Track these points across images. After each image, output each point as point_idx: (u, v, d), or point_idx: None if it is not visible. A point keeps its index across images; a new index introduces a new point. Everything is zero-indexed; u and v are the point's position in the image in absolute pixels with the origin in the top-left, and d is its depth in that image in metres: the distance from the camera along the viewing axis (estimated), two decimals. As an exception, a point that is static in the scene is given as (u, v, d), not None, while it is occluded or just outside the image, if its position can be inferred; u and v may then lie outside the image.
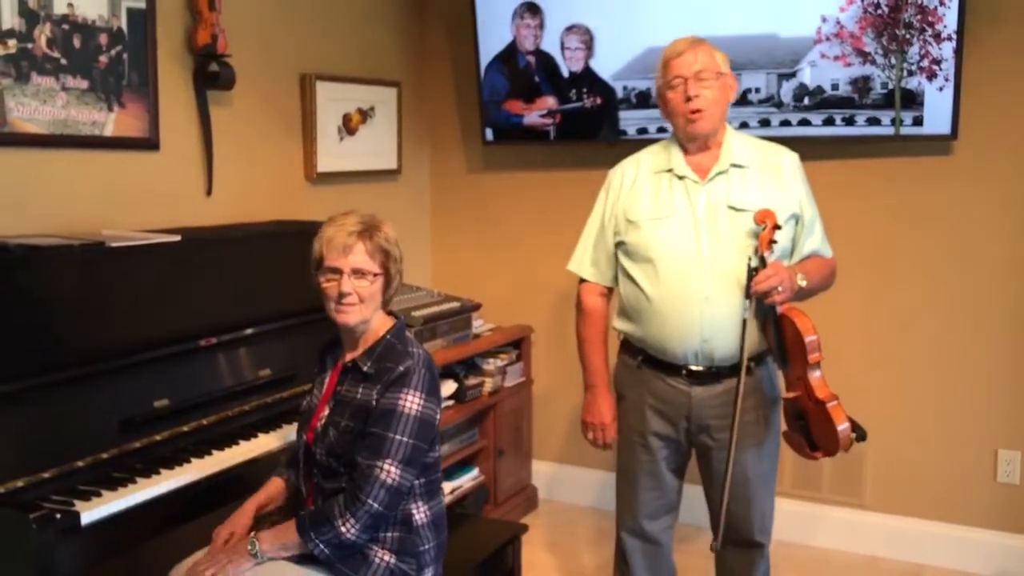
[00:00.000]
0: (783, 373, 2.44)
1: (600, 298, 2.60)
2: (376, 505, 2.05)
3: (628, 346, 2.59)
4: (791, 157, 2.50)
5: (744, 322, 2.33)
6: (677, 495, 2.63)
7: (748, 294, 2.30)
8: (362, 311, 2.13)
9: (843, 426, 2.33)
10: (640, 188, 2.49)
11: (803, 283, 2.34)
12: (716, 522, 2.56)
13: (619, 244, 2.51)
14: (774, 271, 2.27)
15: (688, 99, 2.36)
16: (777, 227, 2.31)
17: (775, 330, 2.37)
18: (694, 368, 2.44)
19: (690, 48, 2.39)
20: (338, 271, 2.11)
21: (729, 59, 2.45)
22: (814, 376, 2.34)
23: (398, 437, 2.06)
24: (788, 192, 2.43)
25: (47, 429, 2.17)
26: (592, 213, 2.61)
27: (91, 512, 2.05)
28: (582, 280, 2.63)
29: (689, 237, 2.39)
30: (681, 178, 2.44)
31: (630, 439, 2.58)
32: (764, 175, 2.43)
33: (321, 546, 2.05)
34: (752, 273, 2.29)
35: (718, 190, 2.41)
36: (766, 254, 2.30)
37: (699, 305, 2.37)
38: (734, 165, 2.42)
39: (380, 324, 2.20)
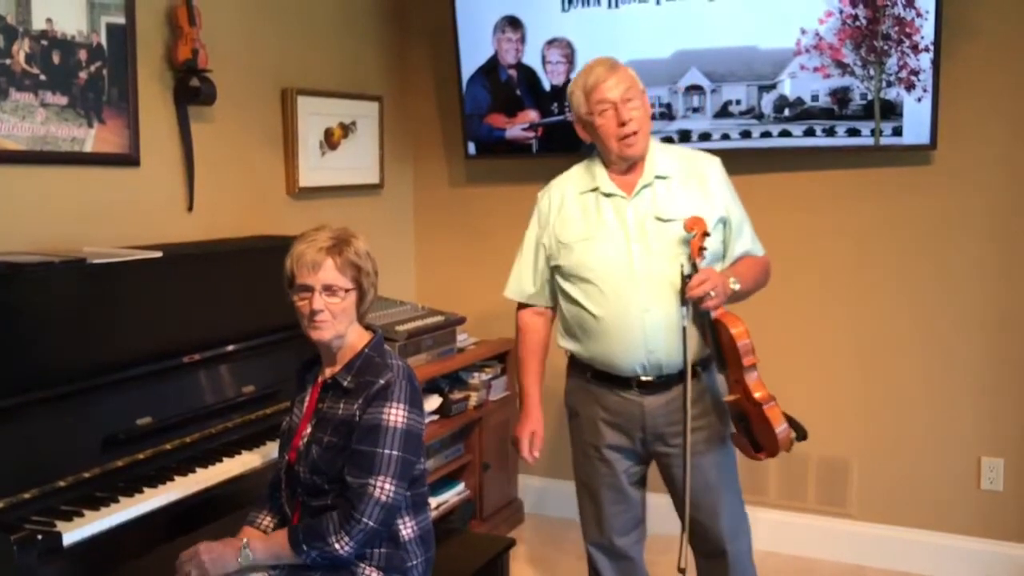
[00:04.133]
0: (724, 377, 2.46)
1: (537, 318, 2.60)
2: (371, 523, 2.04)
3: (576, 363, 2.58)
4: (714, 162, 2.52)
5: (684, 329, 2.36)
6: (642, 508, 2.62)
7: (684, 301, 2.34)
8: (336, 327, 2.12)
9: (781, 427, 2.37)
10: (568, 210, 2.50)
11: (736, 286, 2.37)
12: (692, 538, 2.54)
13: (555, 267, 2.52)
14: (705, 276, 2.30)
15: (622, 123, 2.37)
16: (707, 234, 2.35)
17: (711, 335, 2.40)
18: (644, 379, 2.45)
19: (611, 72, 2.39)
20: (309, 288, 2.10)
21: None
22: (751, 378, 2.37)
23: (387, 452, 2.05)
24: (713, 197, 2.46)
25: (28, 448, 2.14)
26: (525, 239, 2.60)
27: (73, 532, 2.03)
28: (520, 304, 2.62)
29: (622, 252, 2.41)
30: (608, 195, 2.45)
31: (587, 455, 2.57)
32: (688, 183, 2.46)
33: (314, 555, 2.05)
34: (686, 280, 2.32)
35: (644, 203, 2.43)
36: (697, 261, 2.33)
37: (640, 318, 2.38)
38: (658, 177, 2.45)
39: (358, 338, 2.18)
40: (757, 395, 2.36)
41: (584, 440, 2.58)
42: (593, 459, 2.56)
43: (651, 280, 2.38)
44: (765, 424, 2.37)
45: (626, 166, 2.45)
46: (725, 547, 2.52)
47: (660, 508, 2.69)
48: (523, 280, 2.60)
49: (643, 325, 2.38)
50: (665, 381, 2.44)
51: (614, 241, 2.42)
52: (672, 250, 2.38)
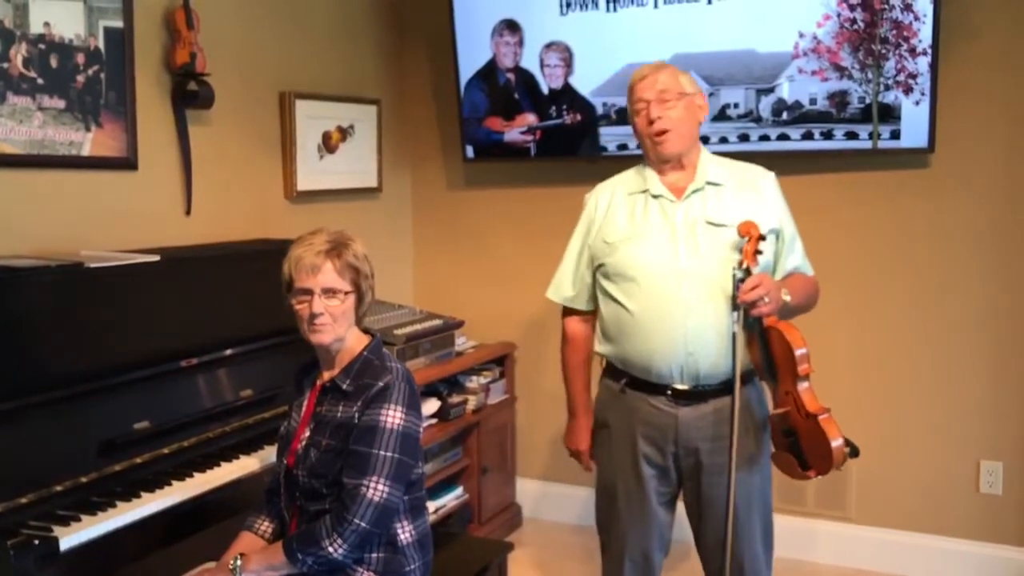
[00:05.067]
0: (770, 389, 2.40)
1: (583, 325, 2.59)
2: (363, 524, 2.03)
3: (611, 370, 2.54)
4: (768, 175, 2.49)
5: (734, 335, 2.29)
6: (669, 530, 2.55)
7: (735, 305, 2.28)
8: (336, 330, 2.12)
9: (837, 442, 2.27)
10: (616, 210, 2.49)
11: (787, 298, 2.31)
12: (711, 566, 2.48)
13: (599, 267, 2.49)
14: (759, 281, 2.24)
15: (651, 122, 2.38)
16: (762, 238, 2.28)
17: (761, 343, 2.33)
18: (679, 387, 2.39)
19: (652, 72, 2.42)
20: (308, 292, 2.09)
21: (695, 79, 2.47)
22: (803, 388, 2.29)
23: (383, 453, 2.05)
24: (767, 208, 2.42)
25: (25, 453, 2.14)
26: (571, 240, 2.59)
27: (70, 537, 2.02)
28: (565, 309, 2.61)
29: (668, 251, 2.37)
30: (656, 197, 2.43)
31: (618, 467, 2.50)
32: (741, 192, 2.42)
33: (309, 562, 2.04)
34: (738, 284, 2.26)
35: (694, 207, 2.40)
36: (752, 266, 2.27)
37: (682, 317, 2.33)
38: (709, 183, 2.41)
39: (356, 341, 2.18)
40: (811, 407, 2.28)
41: (614, 452, 2.51)
42: (626, 474, 2.49)
43: (698, 281, 2.33)
44: (819, 438, 2.27)
45: (668, 167, 2.43)
46: (742, 564, 2.46)
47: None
48: (562, 282, 2.59)
49: (684, 325, 2.33)
50: (702, 392, 2.38)
51: (659, 241, 2.38)
52: (722, 254, 2.33)
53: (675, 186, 2.43)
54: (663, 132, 2.37)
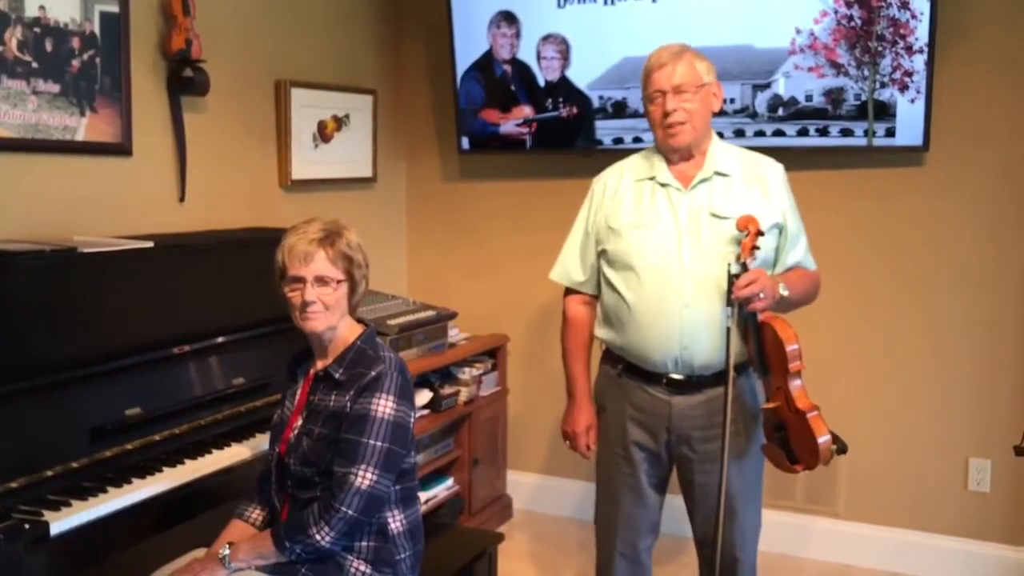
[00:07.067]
0: (763, 383, 2.42)
1: (584, 307, 2.59)
2: (351, 512, 2.03)
3: (610, 355, 2.57)
4: (777, 168, 2.49)
5: (728, 330, 2.30)
6: (659, 513, 2.59)
7: (729, 300, 2.28)
8: (328, 318, 2.12)
9: (823, 438, 2.30)
10: (622, 196, 2.48)
11: (785, 292, 2.32)
12: (702, 546, 2.52)
13: (601, 252, 2.50)
14: (755, 277, 2.25)
15: (666, 114, 2.36)
16: (760, 233, 2.29)
17: (755, 338, 2.34)
18: (674, 377, 2.42)
19: (671, 60, 2.36)
20: (301, 280, 2.10)
21: (712, 65, 2.42)
22: (794, 386, 2.32)
23: (372, 442, 2.05)
24: (772, 202, 2.42)
25: (16, 438, 2.13)
26: (576, 222, 2.60)
27: (61, 522, 2.02)
28: (567, 290, 2.62)
29: (671, 245, 2.37)
30: (664, 186, 2.42)
31: (611, 451, 2.55)
32: (748, 184, 2.42)
33: (297, 550, 2.05)
34: (733, 279, 2.26)
35: (700, 197, 2.40)
36: (748, 261, 2.27)
37: (679, 312, 2.35)
38: (718, 173, 2.41)
39: (349, 331, 2.18)
40: (800, 404, 2.30)
41: (610, 437, 2.55)
42: (617, 458, 2.53)
43: (696, 275, 2.34)
44: (806, 434, 2.31)
45: (676, 157, 2.42)
46: (735, 555, 2.49)
47: (666, 508, 2.66)
48: (570, 267, 2.58)
49: (680, 320, 2.35)
50: (696, 383, 2.41)
51: (664, 232, 2.38)
52: (723, 248, 2.34)
53: (683, 175, 2.43)
54: (676, 125, 2.36)
